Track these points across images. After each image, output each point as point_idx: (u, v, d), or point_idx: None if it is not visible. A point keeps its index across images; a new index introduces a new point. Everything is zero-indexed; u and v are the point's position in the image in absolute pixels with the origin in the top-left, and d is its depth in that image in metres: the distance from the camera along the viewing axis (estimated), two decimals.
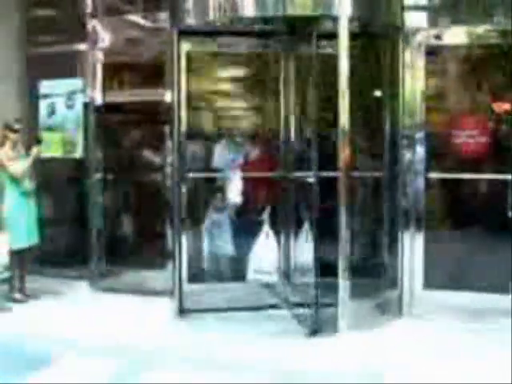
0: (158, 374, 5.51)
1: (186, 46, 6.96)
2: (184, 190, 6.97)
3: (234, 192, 7.68)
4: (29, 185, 7.58)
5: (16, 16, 8.65)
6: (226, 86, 8.14)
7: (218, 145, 7.91)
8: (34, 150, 7.58)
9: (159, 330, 6.53)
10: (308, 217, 6.83)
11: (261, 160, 7.84)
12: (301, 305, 6.83)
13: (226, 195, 7.71)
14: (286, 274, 7.40)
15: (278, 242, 7.29)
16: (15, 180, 7.45)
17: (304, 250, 7.00)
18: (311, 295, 6.38)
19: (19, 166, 7.46)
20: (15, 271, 7.63)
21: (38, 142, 7.83)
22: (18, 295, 7.62)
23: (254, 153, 7.92)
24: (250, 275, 7.27)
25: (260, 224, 7.30)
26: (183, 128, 6.95)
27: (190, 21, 6.66)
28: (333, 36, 6.29)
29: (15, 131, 7.51)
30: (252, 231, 7.31)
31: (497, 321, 6.27)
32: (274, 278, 7.29)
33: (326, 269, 6.38)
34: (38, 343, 6.19)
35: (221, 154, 7.89)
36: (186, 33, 6.85)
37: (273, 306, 7.09)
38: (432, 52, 6.83)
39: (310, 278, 6.46)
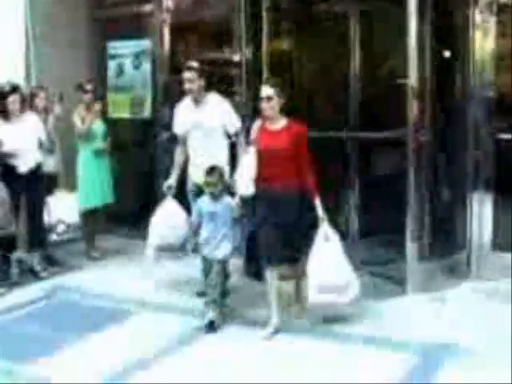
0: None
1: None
2: None
3: (244, 179, 5.50)
4: (100, 144, 7.67)
5: None
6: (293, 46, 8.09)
7: None
8: (96, 108, 7.65)
9: None
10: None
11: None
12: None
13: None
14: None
15: None
16: (85, 140, 7.56)
17: None
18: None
19: (83, 125, 7.52)
20: (87, 230, 7.82)
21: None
22: (94, 253, 7.82)
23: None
24: (313, 297, 5.42)
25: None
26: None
27: None
28: None
29: (86, 92, 7.60)
30: None
31: None
32: (344, 299, 5.49)
33: None
34: (110, 300, 6.41)
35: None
36: None
37: None
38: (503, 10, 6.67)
39: None
